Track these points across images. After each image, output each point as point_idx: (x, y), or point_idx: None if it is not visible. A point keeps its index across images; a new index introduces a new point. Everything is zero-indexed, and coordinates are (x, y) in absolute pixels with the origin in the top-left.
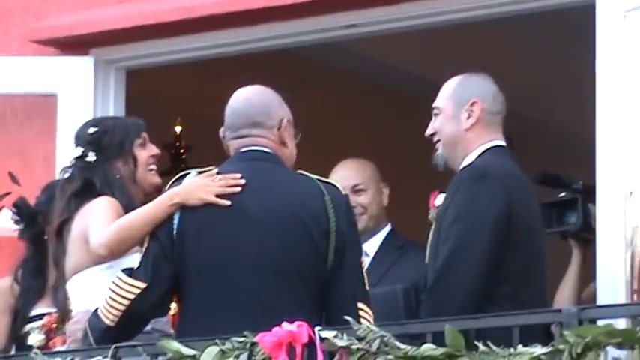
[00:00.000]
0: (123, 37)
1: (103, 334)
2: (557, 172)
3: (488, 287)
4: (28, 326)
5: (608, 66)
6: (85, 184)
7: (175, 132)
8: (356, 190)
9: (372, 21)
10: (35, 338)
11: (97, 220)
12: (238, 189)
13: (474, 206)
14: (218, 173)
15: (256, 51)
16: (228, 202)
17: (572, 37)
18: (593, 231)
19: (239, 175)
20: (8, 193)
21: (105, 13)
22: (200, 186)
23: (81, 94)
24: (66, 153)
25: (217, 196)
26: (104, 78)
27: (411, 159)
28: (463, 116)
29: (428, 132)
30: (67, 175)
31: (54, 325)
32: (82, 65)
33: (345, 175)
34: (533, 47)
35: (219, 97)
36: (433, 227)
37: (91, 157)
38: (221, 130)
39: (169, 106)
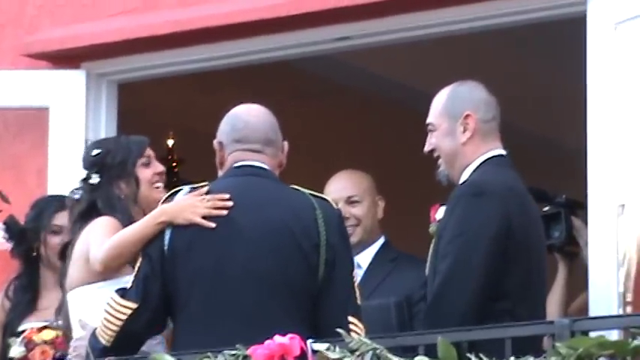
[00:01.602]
0: (114, 50)
1: (100, 354)
2: (540, 187)
3: (487, 303)
4: (11, 340)
5: (600, 77)
6: (89, 206)
7: (167, 145)
8: (351, 202)
9: (365, 33)
10: (15, 351)
11: (96, 239)
12: (225, 212)
13: (472, 223)
14: (208, 192)
15: (249, 63)
16: (213, 225)
17: (564, 49)
18: (578, 244)
19: (227, 196)
20: None
21: (96, 26)
22: (187, 206)
23: (73, 107)
24: (58, 166)
25: (205, 217)
26: (96, 91)
27: (404, 170)
28: (459, 130)
29: (426, 149)
30: (76, 197)
31: (33, 337)
32: (74, 79)
33: (340, 186)
34: (524, 59)
35: (211, 109)
36: (434, 241)
37: (95, 179)
38: (220, 140)
39: (161, 119)
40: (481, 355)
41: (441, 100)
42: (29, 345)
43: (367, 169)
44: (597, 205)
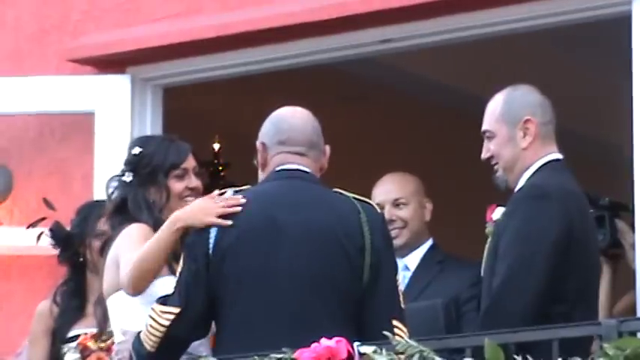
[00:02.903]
0: (159, 54)
1: (145, 359)
2: (584, 190)
3: (545, 306)
4: (65, 347)
5: None
6: (122, 202)
7: (213, 149)
8: (397, 204)
9: (407, 36)
10: (70, 357)
11: (126, 251)
12: (239, 209)
13: (533, 227)
14: (247, 195)
15: (292, 67)
16: (230, 222)
17: (609, 48)
18: (622, 246)
19: (240, 196)
20: (43, 218)
21: (141, 31)
22: (200, 208)
23: (118, 112)
24: (104, 171)
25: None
26: (141, 96)
27: (449, 171)
28: (519, 136)
29: (484, 155)
30: (113, 184)
31: (88, 344)
32: (119, 83)
33: (387, 188)
34: (569, 59)
35: (256, 113)
36: (489, 241)
37: (128, 177)
38: (263, 141)
39: (207, 123)
40: (528, 357)
41: (496, 106)
42: (85, 352)
43: (412, 171)
44: None
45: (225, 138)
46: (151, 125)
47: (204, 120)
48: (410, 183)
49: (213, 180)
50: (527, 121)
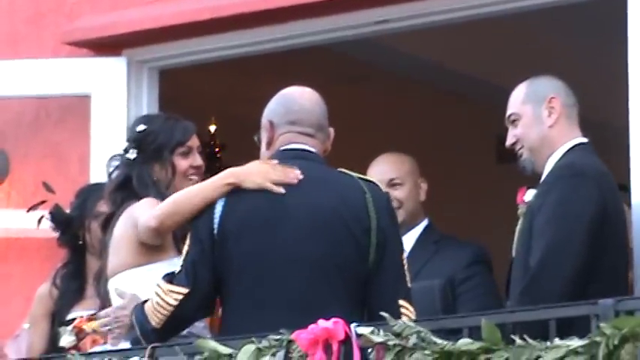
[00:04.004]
0: (155, 37)
1: (148, 334)
2: None
3: (581, 286)
4: (61, 329)
5: None
6: (125, 179)
7: (209, 131)
8: (392, 184)
9: (403, 16)
10: (66, 340)
11: (143, 211)
12: (295, 181)
13: (571, 204)
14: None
15: (288, 48)
16: (283, 190)
17: (605, 29)
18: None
19: (298, 170)
20: (43, 202)
21: (137, 13)
22: (259, 171)
23: (114, 94)
24: (100, 154)
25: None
26: (137, 78)
27: (444, 152)
28: (544, 114)
29: (509, 142)
30: (114, 163)
31: (84, 327)
32: (115, 66)
33: (382, 169)
34: (566, 40)
35: (252, 94)
36: (521, 222)
37: (132, 154)
38: (271, 119)
39: (203, 105)
40: (525, 336)
41: (520, 90)
42: (80, 334)
43: (409, 151)
44: None
45: (221, 120)
46: (147, 107)
47: (200, 102)
48: (405, 163)
49: (209, 161)
50: (551, 99)
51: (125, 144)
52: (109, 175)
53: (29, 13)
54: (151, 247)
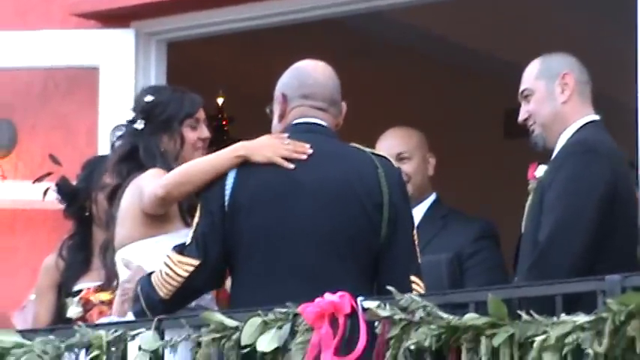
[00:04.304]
0: (164, 9)
1: (155, 304)
2: None
3: (589, 263)
4: (68, 300)
5: None
6: (132, 149)
7: (217, 104)
8: (400, 158)
9: None
10: (73, 311)
11: (149, 180)
12: (304, 156)
13: (582, 180)
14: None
15: (297, 22)
16: (292, 166)
17: (615, 6)
18: None
19: (308, 145)
20: (49, 173)
21: None
22: (269, 145)
23: (122, 66)
24: (108, 126)
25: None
26: (145, 50)
27: (451, 127)
28: (557, 91)
29: (521, 117)
30: (118, 133)
31: (91, 298)
32: (124, 38)
33: (390, 143)
34: (574, 16)
35: (261, 68)
36: (531, 198)
37: (139, 124)
38: (284, 92)
39: (211, 78)
40: (531, 312)
41: (534, 66)
42: (87, 306)
43: (416, 126)
44: None
45: (228, 93)
46: (155, 80)
47: (208, 75)
48: (413, 137)
49: (216, 134)
50: (565, 75)
51: (131, 114)
52: (112, 144)
53: None
54: (156, 218)
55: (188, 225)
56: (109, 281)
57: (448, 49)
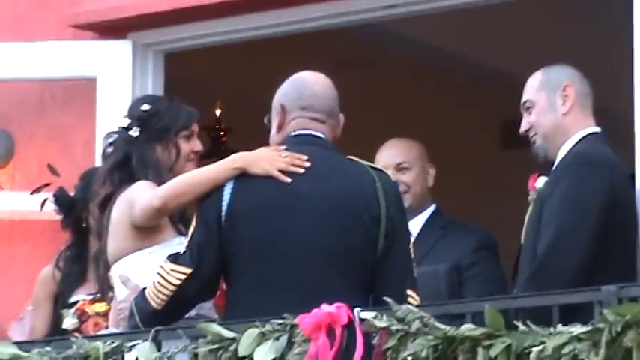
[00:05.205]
0: (161, 20)
1: (149, 317)
2: None
3: (587, 274)
4: (64, 311)
5: None
6: (125, 157)
7: (215, 114)
8: (400, 169)
9: (412, 1)
10: (68, 322)
11: (142, 193)
12: (302, 170)
13: (582, 192)
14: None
15: (296, 32)
16: (288, 180)
17: (610, 16)
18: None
19: (305, 157)
20: (47, 185)
21: None
22: (266, 157)
23: (120, 77)
24: None
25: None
26: (142, 61)
27: (449, 139)
28: (558, 102)
29: (523, 128)
30: (110, 140)
31: (87, 309)
32: (121, 49)
33: (391, 153)
34: (571, 27)
35: (258, 79)
36: (531, 208)
37: (134, 132)
38: (283, 103)
39: (208, 89)
40: (528, 322)
41: (536, 78)
42: (82, 317)
43: (414, 137)
44: None
45: (226, 103)
46: (153, 91)
47: (205, 85)
48: (413, 148)
49: (214, 145)
50: (566, 87)
51: (126, 121)
52: (104, 151)
53: None
54: (147, 229)
55: (180, 233)
56: (103, 292)
57: (446, 61)
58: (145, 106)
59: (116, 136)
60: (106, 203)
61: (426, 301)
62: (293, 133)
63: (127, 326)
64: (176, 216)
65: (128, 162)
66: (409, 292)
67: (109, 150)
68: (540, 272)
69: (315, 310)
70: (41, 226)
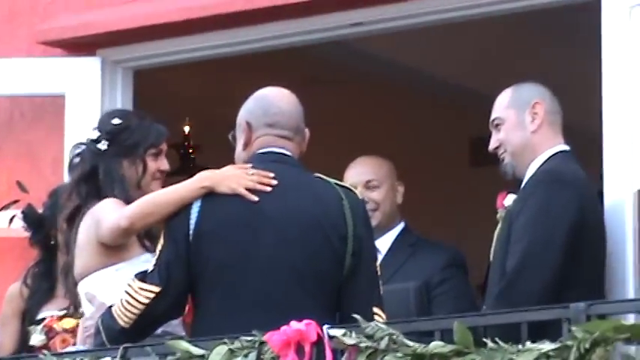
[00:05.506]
0: (129, 37)
1: (116, 335)
2: None
3: (556, 292)
4: (32, 328)
5: (615, 62)
6: (92, 169)
7: (184, 131)
8: (369, 186)
9: (379, 19)
10: (36, 339)
11: (108, 211)
12: (269, 188)
13: (550, 210)
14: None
15: (263, 50)
16: (256, 198)
17: (578, 34)
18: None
19: (272, 175)
20: (16, 201)
21: (111, 13)
22: (233, 176)
23: (88, 94)
24: None
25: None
26: (111, 78)
27: (418, 155)
28: (527, 120)
29: (492, 146)
30: (77, 151)
31: (54, 326)
32: (90, 66)
33: (360, 170)
34: (538, 44)
35: (227, 96)
36: (500, 226)
37: (103, 145)
38: (249, 120)
39: (177, 105)
40: (497, 339)
41: (506, 95)
42: (50, 333)
43: (383, 154)
44: (613, 189)
45: (195, 120)
46: (122, 107)
47: (174, 102)
48: (382, 166)
49: (183, 162)
50: (535, 105)
51: (95, 134)
52: (71, 161)
53: (3, 12)
54: (114, 247)
55: (147, 249)
56: (75, 305)
57: (412, 78)
58: (116, 120)
59: (84, 147)
60: (74, 217)
61: (395, 318)
62: (259, 151)
63: (94, 344)
64: (142, 232)
65: (95, 175)
66: (375, 309)
67: (76, 160)
68: (509, 290)
69: (284, 328)
70: (9, 243)
